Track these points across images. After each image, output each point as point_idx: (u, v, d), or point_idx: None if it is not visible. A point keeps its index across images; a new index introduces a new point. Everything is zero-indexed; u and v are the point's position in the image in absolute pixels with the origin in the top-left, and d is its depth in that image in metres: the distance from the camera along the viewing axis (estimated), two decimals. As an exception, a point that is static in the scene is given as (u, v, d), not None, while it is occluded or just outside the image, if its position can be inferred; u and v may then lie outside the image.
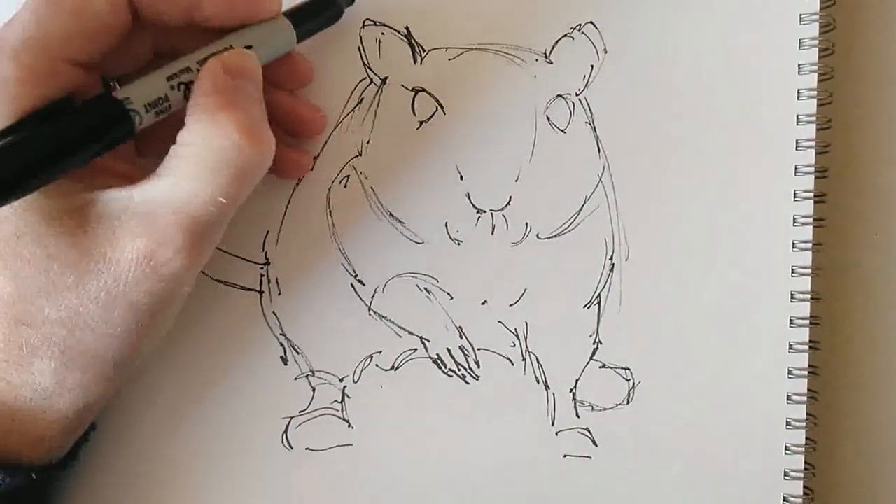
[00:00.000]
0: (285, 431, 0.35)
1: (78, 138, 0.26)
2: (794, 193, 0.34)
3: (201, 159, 0.27)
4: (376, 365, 0.35)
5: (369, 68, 0.35)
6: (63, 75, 0.27)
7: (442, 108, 0.35)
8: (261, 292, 0.35)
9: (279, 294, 0.35)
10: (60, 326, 0.28)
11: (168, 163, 0.28)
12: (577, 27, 0.35)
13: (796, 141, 0.34)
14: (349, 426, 0.35)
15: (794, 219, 0.34)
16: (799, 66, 0.35)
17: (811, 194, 0.34)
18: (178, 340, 0.35)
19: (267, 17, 0.31)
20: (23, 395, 0.29)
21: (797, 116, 0.34)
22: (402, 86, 0.35)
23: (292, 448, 0.35)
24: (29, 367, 0.28)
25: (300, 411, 0.35)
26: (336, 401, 0.35)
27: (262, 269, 0.35)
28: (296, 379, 0.35)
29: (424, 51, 0.35)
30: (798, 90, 0.34)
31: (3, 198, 0.25)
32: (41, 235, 0.27)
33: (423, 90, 0.35)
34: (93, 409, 0.31)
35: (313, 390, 0.35)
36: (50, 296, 0.27)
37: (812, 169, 0.34)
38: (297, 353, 0.35)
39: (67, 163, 0.26)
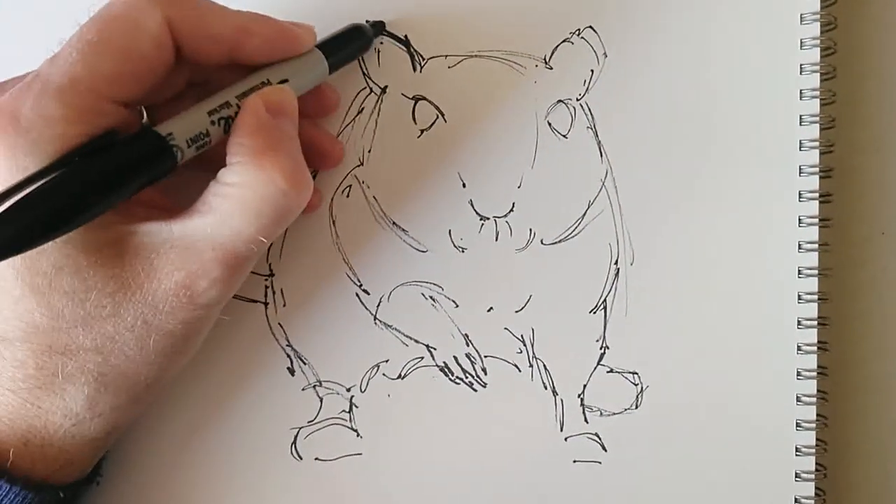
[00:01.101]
0: (294, 442, 0.35)
1: (123, 173, 0.26)
2: (800, 194, 0.34)
3: (245, 201, 0.28)
4: (383, 374, 0.35)
5: (369, 77, 0.35)
6: (107, 114, 0.27)
7: (443, 115, 0.35)
8: (266, 304, 0.35)
9: (284, 305, 0.35)
10: (96, 353, 0.28)
11: (209, 200, 0.28)
12: (577, 32, 0.35)
13: (800, 141, 0.34)
14: (358, 436, 0.35)
15: (799, 219, 0.34)
16: (801, 66, 0.34)
17: (816, 195, 0.34)
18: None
19: (302, 52, 0.31)
20: (53, 421, 0.29)
21: (800, 117, 0.34)
22: (403, 94, 0.35)
23: (301, 459, 0.35)
24: (62, 393, 0.28)
25: (308, 422, 0.35)
26: (344, 410, 0.35)
27: (266, 280, 0.35)
28: (303, 389, 0.35)
29: (424, 59, 0.35)
30: (801, 90, 0.34)
31: (49, 235, 0.25)
32: (80, 268, 0.27)
33: (424, 98, 0.35)
34: (121, 430, 0.31)
35: (321, 400, 0.35)
36: (87, 325, 0.28)
37: (817, 169, 0.34)
38: (304, 363, 0.35)
39: (112, 198, 0.26)
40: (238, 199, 0.28)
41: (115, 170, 0.26)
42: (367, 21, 0.35)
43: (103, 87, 0.27)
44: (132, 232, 0.28)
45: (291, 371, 0.35)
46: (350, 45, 0.34)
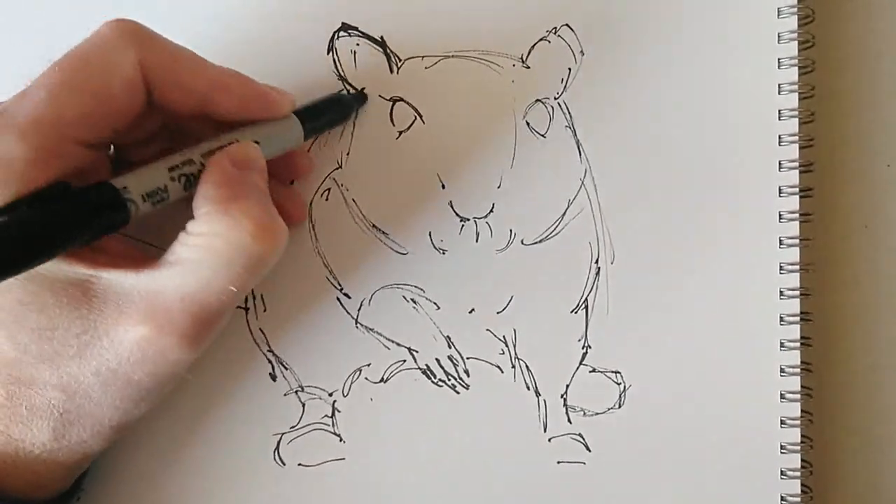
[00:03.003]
0: (277, 448, 0.35)
1: (71, 224, 0.26)
2: (780, 189, 0.34)
3: (214, 250, 0.27)
4: (365, 378, 0.35)
5: (345, 80, 0.35)
6: (71, 156, 0.27)
7: (421, 117, 0.35)
8: (246, 309, 0.35)
9: (265, 310, 0.35)
10: (60, 391, 0.28)
11: (177, 250, 0.28)
12: (553, 30, 0.35)
13: (779, 136, 0.34)
14: (341, 440, 0.35)
15: (780, 215, 0.34)
16: (779, 60, 0.34)
17: (796, 189, 0.34)
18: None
19: (278, 118, 0.31)
20: (24, 448, 0.29)
21: (779, 111, 0.34)
22: (380, 96, 0.35)
23: (285, 464, 0.35)
24: (29, 424, 0.28)
25: (291, 427, 0.35)
26: (326, 415, 0.35)
27: (246, 285, 0.35)
28: (285, 395, 0.35)
29: (400, 60, 0.35)
30: (779, 85, 0.34)
31: None
32: (45, 305, 0.27)
33: (401, 100, 0.35)
34: (93, 457, 0.31)
35: (303, 406, 0.35)
36: (52, 362, 0.28)
37: (797, 164, 0.34)
38: (286, 368, 0.35)
39: (59, 247, 0.26)
40: (206, 248, 0.27)
41: (62, 219, 0.25)
42: (348, 91, 0.35)
43: (70, 129, 0.26)
44: (98, 276, 0.27)
45: (273, 377, 0.35)
46: (329, 114, 0.34)
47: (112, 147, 0.32)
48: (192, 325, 0.28)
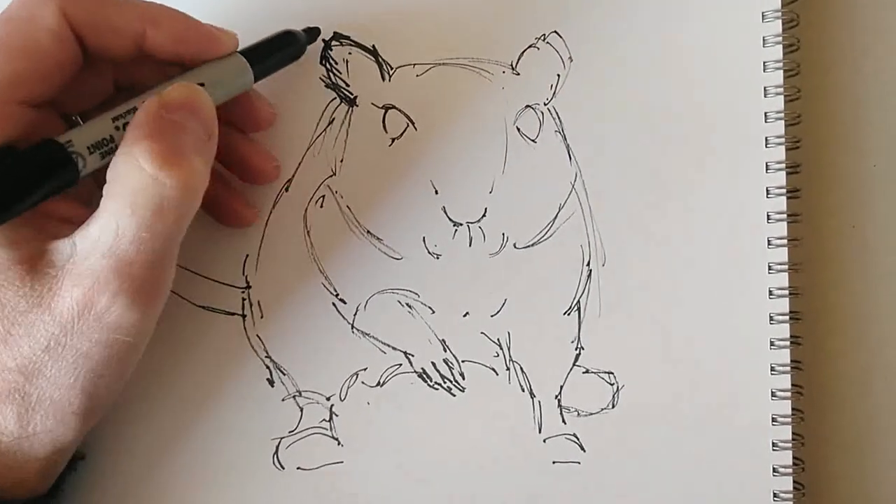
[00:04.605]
0: (276, 452, 0.35)
1: (19, 185, 0.25)
2: (767, 190, 0.35)
3: (119, 195, 0.26)
4: (362, 382, 0.36)
5: (338, 88, 0.36)
6: (15, 117, 0.27)
7: (413, 124, 0.36)
8: (244, 316, 0.36)
9: (262, 317, 0.36)
10: (18, 374, 0.28)
11: (100, 204, 0.27)
12: (542, 37, 0.36)
13: (766, 138, 0.35)
14: (339, 444, 0.35)
15: (768, 215, 0.35)
16: (764, 63, 0.35)
17: (783, 190, 0.34)
18: (164, 368, 0.35)
19: (220, 55, 0.30)
20: None
21: (765, 114, 0.35)
22: (373, 104, 0.36)
23: (283, 468, 0.35)
24: None
25: (289, 432, 0.35)
26: (324, 419, 0.36)
27: (243, 292, 0.36)
28: (283, 400, 0.36)
29: (392, 68, 0.36)
30: (765, 87, 0.35)
31: None
32: None
33: (394, 107, 0.35)
34: (65, 452, 0.31)
35: (301, 410, 0.35)
36: (7, 343, 0.27)
37: (783, 165, 0.34)
38: (283, 374, 0.36)
39: (8, 211, 0.25)
40: (109, 196, 0.26)
41: (9, 180, 0.25)
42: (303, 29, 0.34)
43: (6, 89, 0.26)
44: (43, 249, 0.27)
45: (271, 382, 0.36)
46: (279, 51, 0.33)
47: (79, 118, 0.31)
48: (120, 283, 0.27)
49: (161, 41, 0.29)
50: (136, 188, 0.26)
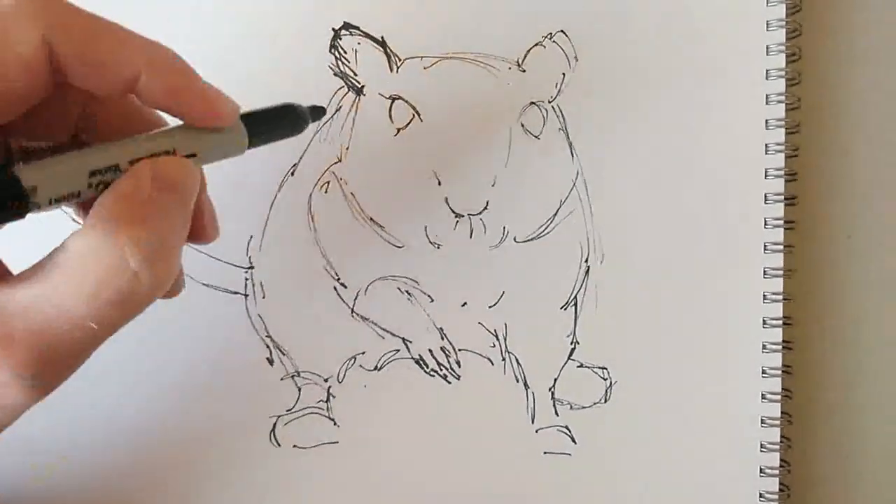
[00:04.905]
0: (273, 430, 0.36)
1: None
2: (766, 196, 0.35)
3: (82, 275, 0.22)
4: (360, 365, 0.36)
5: (346, 77, 0.36)
6: None
7: (419, 115, 0.36)
8: (246, 295, 0.36)
9: (264, 297, 0.36)
10: None
11: (44, 263, 0.23)
12: (549, 36, 0.36)
13: (766, 145, 0.35)
14: (335, 424, 0.36)
15: (765, 221, 0.35)
16: (767, 71, 0.35)
17: (781, 197, 0.35)
18: (165, 343, 0.36)
19: (213, 127, 0.26)
20: None
21: (766, 121, 0.35)
22: (380, 94, 0.36)
23: (280, 446, 0.36)
24: None
25: (287, 410, 0.36)
26: (322, 400, 0.36)
27: (246, 272, 0.36)
28: (282, 379, 0.36)
29: (400, 60, 0.36)
30: (766, 95, 0.35)
31: None
32: None
33: (400, 98, 0.36)
34: None
35: (299, 390, 0.36)
36: None
37: (782, 172, 0.35)
38: (283, 354, 0.36)
39: None
40: (75, 268, 0.22)
41: None
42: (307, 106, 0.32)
43: None
44: None
45: (271, 361, 0.36)
46: (279, 126, 0.30)
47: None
48: (31, 355, 0.22)
49: (154, 90, 0.24)
50: (106, 278, 0.22)
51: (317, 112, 0.31)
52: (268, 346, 0.36)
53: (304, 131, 0.30)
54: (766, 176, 0.35)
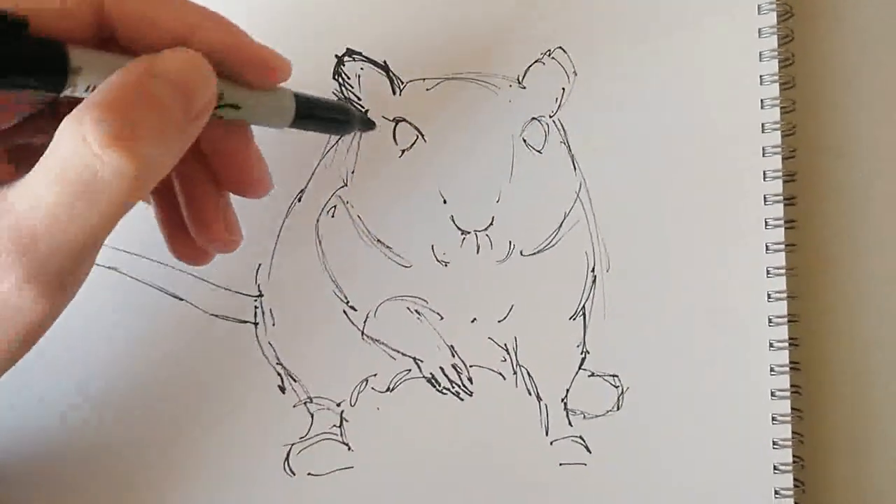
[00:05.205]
0: (287, 458, 0.36)
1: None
2: (765, 198, 0.36)
3: (51, 162, 0.22)
4: (372, 388, 0.36)
5: (350, 102, 0.36)
6: None
7: (422, 136, 0.37)
8: (256, 324, 0.36)
9: (274, 324, 0.36)
10: None
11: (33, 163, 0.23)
12: (548, 52, 0.37)
13: (763, 148, 0.36)
14: (349, 449, 0.36)
15: (766, 222, 0.36)
16: (761, 77, 0.36)
17: (780, 197, 0.36)
18: (177, 375, 0.36)
19: (267, 87, 0.27)
20: None
21: (762, 125, 0.36)
22: (383, 117, 0.36)
23: (294, 474, 0.36)
24: None
25: (300, 438, 0.36)
26: (335, 425, 0.36)
27: (255, 301, 0.36)
28: (294, 406, 0.36)
29: (403, 83, 0.37)
30: (762, 100, 0.36)
31: None
32: None
33: (404, 120, 0.36)
34: None
35: (312, 416, 0.36)
36: None
37: (780, 174, 0.36)
38: (295, 380, 0.36)
39: None
40: (47, 156, 0.22)
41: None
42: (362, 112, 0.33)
43: None
44: None
45: (282, 388, 0.36)
46: (330, 118, 0.31)
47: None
48: (25, 264, 0.22)
49: (206, 44, 0.24)
50: (69, 159, 0.22)
51: (366, 123, 0.33)
52: (279, 374, 0.36)
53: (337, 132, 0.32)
54: (764, 178, 0.36)
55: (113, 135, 0.21)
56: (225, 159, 0.28)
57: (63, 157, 0.22)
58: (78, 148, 0.21)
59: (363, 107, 0.37)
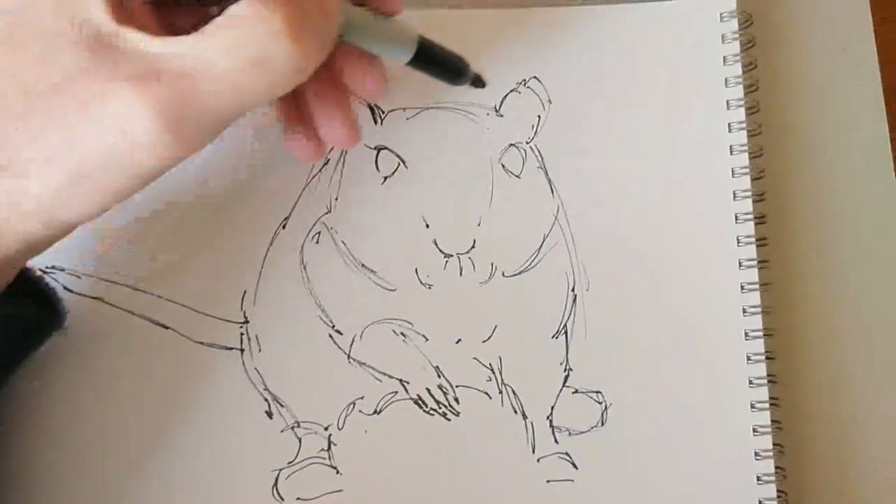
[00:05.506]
0: (275, 484, 0.36)
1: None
2: (736, 216, 0.37)
3: (229, 30, 0.25)
4: (359, 410, 0.37)
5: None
6: None
7: (404, 163, 0.38)
8: (242, 350, 0.37)
9: (260, 350, 0.37)
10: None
11: (203, 28, 0.25)
12: (523, 82, 0.38)
13: (732, 169, 0.37)
14: (337, 473, 0.36)
15: (738, 239, 0.37)
16: (727, 101, 0.38)
17: (751, 216, 0.37)
18: (163, 403, 0.36)
19: (384, 10, 0.30)
20: None
21: (731, 147, 0.38)
22: (366, 145, 0.38)
23: (283, 500, 0.36)
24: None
25: (288, 462, 0.36)
26: (323, 449, 0.36)
27: (241, 327, 0.37)
28: (282, 431, 0.36)
29: (384, 112, 0.38)
30: (729, 124, 0.38)
31: None
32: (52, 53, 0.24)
33: (385, 148, 0.38)
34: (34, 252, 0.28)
35: (300, 441, 0.36)
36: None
37: (749, 193, 0.37)
38: (282, 406, 0.36)
39: None
40: (225, 25, 0.25)
41: None
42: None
43: None
44: (117, 34, 0.25)
45: (270, 414, 0.36)
46: (447, 63, 0.34)
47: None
48: (172, 100, 0.24)
49: None
50: (251, 36, 0.25)
51: (478, 81, 0.36)
52: (266, 400, 0.36)
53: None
54: (734, 197, 0.37)
55: (293, 26, 0.25)
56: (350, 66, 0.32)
57: (242, 32, 0.24)
58: (259, 28, 0.24)
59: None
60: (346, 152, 0.38)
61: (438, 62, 0.34)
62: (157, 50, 0.24)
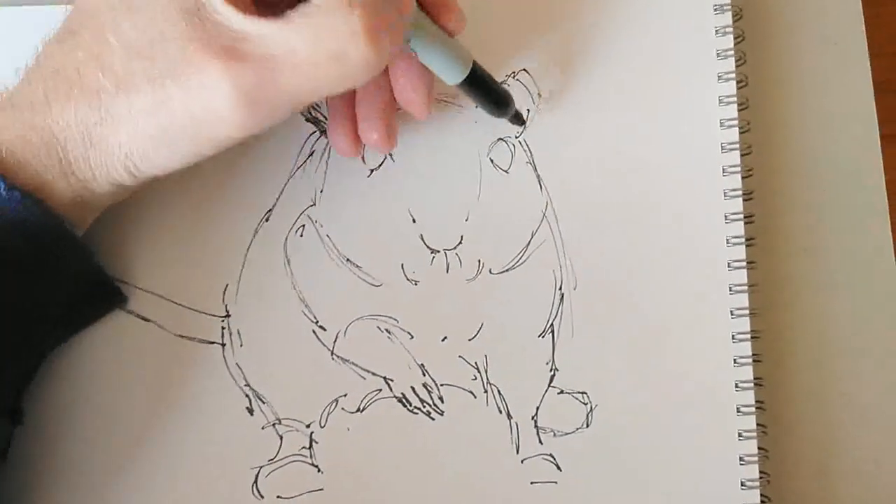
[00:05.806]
0: (255, 481, 0.35)
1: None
2: (725, 216, 0.37)
3: (314, 22, 0.27)
4: (342, 408, 0.36)
5: (318, 122, 0.37)
6: None
7: (391, 156, 0.37)
8: (223, 344, 0.36)
9: (241, 345, 0.36)
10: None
11: (289, 13, 0.27)
12: (512, 75, 0.38)
13: (722, 168, 0.37)
14: (318, 471, 0.36)
15: (727, 240, 0.37)
16: (719, 98, 0.37)
17: (741, 216, 0.37)
18: (143, 397, 0.35)
19: (443, 24, 0.32)
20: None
21: (721, 145, 0.37)
22: (352, 137, 0.37)
23: (263, 497, 0.35)
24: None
25: (269, 460, 0.35)
26: (304, 447, 0.36)
27: (222, 321, 0.36)
28: (263, 428, 0.36)
29: (371, 104, 0.37)
30: (720, 120, 0.37)
31: None
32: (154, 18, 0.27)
33: (372, 140, 0.37)
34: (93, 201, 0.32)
35: (281, 438, 0.36)
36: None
37: (740, 192, 0.37)
38: (263, 402, 0.36)
39: None
40: (311, 15, 0.27)
41: None
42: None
43: None
44: (213, 8, 0.27)
45: (250, 411, 0.36)
46: (493, 92, 0.35)
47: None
48: (253, 77, 0.27)
49: None
50: (332, 31, 0.27)
51: (517, 118, 0.36)
52: (247, 396, 0.36)
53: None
54: (724, 197, 0.37)
55: (371, 28, 0.27)
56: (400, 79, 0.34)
57: (327, 26, 0.26)
58: (341, 26, 0.26)
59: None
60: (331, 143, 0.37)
61: (487, 89, 0.35)
62: (248, 28, 0.27)
